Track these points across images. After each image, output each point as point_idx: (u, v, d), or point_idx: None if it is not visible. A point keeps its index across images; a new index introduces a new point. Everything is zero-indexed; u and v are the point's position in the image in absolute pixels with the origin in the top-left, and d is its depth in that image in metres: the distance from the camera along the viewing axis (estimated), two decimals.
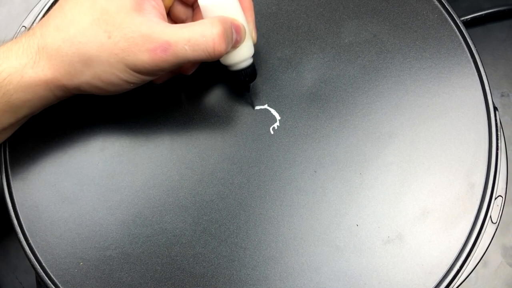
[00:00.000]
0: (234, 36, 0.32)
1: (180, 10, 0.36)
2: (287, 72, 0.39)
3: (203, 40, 0.30)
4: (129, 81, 0.32)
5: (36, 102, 0.33)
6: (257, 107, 0.38)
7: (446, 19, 0.40)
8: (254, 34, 0.35)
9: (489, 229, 0.36)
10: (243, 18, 0.34)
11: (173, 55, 0.30)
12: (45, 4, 0.40)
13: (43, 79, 0.31)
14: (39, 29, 0.32)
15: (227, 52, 0.33)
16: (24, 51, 0.32)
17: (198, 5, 0.35)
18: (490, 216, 0.36)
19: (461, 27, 0.40)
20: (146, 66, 0.31)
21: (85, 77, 0.31)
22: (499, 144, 0.37)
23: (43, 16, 0.40)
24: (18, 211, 0.35)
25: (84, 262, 0.34)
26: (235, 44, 0.33)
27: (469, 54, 0.39)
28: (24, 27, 0.40)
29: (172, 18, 0.37)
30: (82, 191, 0.35)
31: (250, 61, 0.35)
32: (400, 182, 0.36)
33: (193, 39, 0.30)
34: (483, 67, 0.39)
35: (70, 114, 0.37)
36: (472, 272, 0.35)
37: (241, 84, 0.37)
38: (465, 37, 0.40)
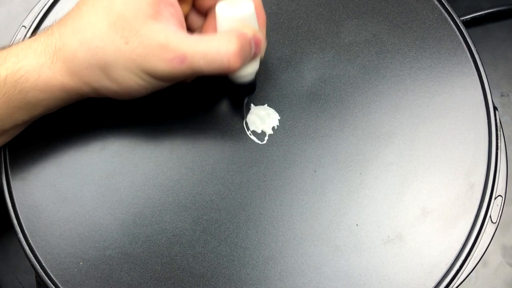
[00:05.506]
0: (253, 49, 0.32)
1: (193, 19, 0.36)
2: (287, 72, 0.39)
3: (218, 57, 0.30)
4: (146, 86, 0.32)
5: (52, 101, 0.32)
6: (257, 108, 0.38)
7: (446, 19, 0.40)
8: (262, 51, 0.35)
9: (489, 229, 0.36)
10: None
11: (189, 67, 0.30)
12: (45, 4, 0.40)
13: (60, 80, 0.31)
14: (58, 29, 0.32)
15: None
16: (42, 50, 0.31)
17: (210, 13, 0.34)
18: (490, 216, 0.36)
19: (461, 27, 0.40)
20: (163, 74, 0.31)
21: (103, 81, 0.31)
22: (499, 144, 0.37)
23: (43, 16, 0.40)
24: (18, 211, 0.35)
25: (84, 262, 0.34)
26: (253, 57, 0.33)
27: (469, 54, 0.39)
28: (24, 27, 0.40)
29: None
30: (82, 191, 0.35)
31: (254, 76, 0.35)
32: (400, 182, 0.36)
33: (209, 54, 0.30)
34: (483, 67, 0.39)
35: (70, 114, 0.37)
36: (472, 272, 0.35)
37: (238, 97, 0.37)
38: (465, 37, 0.40)
